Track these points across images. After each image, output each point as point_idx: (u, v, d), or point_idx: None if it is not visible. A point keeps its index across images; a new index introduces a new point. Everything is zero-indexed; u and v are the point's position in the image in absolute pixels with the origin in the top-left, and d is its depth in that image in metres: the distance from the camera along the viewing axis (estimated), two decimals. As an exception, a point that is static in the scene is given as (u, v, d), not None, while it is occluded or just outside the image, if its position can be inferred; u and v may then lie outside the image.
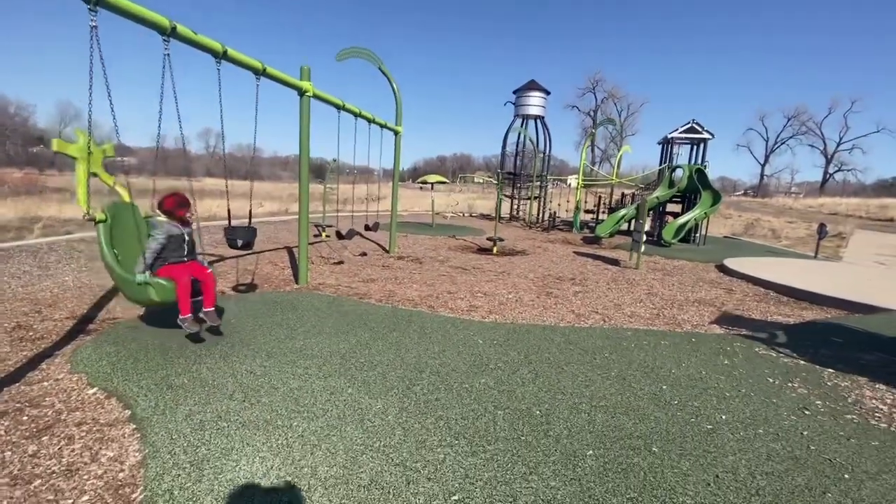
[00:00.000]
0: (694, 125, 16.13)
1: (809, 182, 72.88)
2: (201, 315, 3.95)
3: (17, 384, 3.24)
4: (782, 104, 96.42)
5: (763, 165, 67.54)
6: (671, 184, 15.59)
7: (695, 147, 17.13)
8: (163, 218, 3.94)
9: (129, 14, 3.58)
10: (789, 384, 3.76)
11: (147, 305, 3.94)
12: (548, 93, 21.17)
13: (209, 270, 4.11)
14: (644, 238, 9.69)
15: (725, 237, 18.09)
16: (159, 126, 4.00)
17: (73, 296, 5.44)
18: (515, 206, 21.35)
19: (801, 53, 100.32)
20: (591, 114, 61.82)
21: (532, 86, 20.87)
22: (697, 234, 15.07)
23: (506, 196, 20.83)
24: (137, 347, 3.74)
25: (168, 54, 3.88)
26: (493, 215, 22.20)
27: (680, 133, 16.36)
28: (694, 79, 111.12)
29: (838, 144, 62.93)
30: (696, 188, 14.70)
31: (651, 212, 14.79)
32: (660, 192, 15.11)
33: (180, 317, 3.79)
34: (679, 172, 15.68)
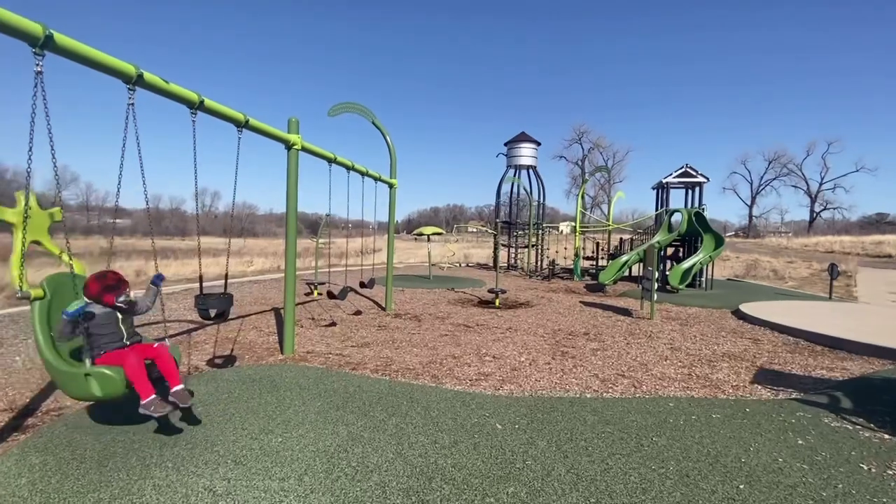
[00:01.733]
0: (688, 169, 16.11)
1: (796, 221, 74.13)
2: (171, 399, 3.23)
3: None
4: (762, 147, 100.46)
5: (750, 207, 68.82)
6: (670, 228, 15.28)
7: (689, 191, 17.05)
8: (84, 303, 3.23)
9: (86, 60, 3.14)
10: (889, 471, 3.03)
11: (89, 401, 3.19)
12: (538, 143, 21.41)
13: (157, 345, 3.40)
14: (656, 286, 9.12)
15: (729, 280, 17.61)
16: (119, 183, 3.46)
17: (18, 380, 4.66)
18: (513, 255, 20.90)
19: (779, 96, 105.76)
20: (579, 163, 63.45)
21: (523, 137, 21.13)
22: (703, 279, 14.58)
23: (503, 245, 20.43)
24: (71, 455, 2.96)
25: (132, 104, 3.42)
26: (491, 264, 21.72)
27: (674, 178, 16.30)
28: (677, 125, 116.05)
29: (820, 184, 64.65)
30: (697, 232, 14.37)
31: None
32: (660, 237, 14.73)
33: (142, 402, 3.05)
34: (677, 216, 15.43)
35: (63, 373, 2.99)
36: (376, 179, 8.50)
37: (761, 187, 67.69)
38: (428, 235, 17.27)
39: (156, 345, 3.41)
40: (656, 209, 17.28)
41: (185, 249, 29.91)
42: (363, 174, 7.90)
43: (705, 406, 4.22)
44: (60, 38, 2.85)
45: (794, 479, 2.92)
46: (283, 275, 8.21)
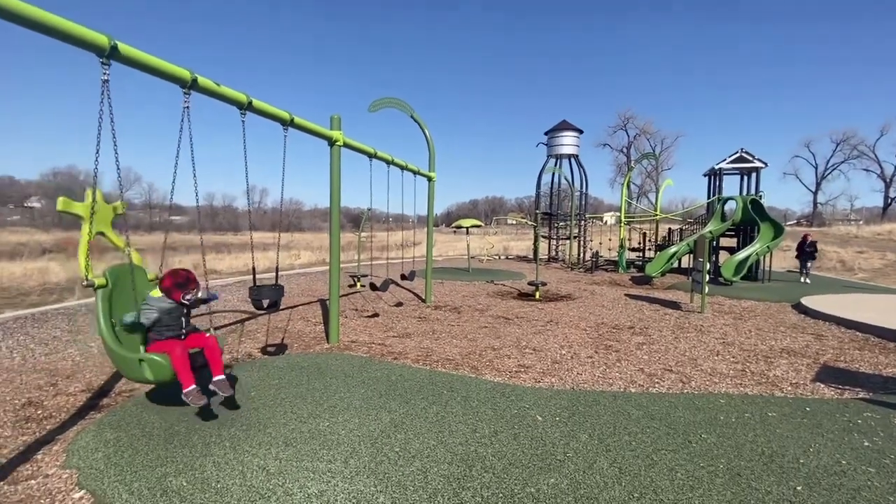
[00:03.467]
0: (743, 154, 15.15)
1: (868, 208, 67.87)
2: (211, 387, 3.47)
3: (2, 483, 2.77)
4: (829, 129, 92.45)
5: (815, 193, 63.71)
6: (723, 217, 14.46)
7: (745, 177, 16.04)
8: (159, 294, 3.54)
9: (146, 67, 3.37)
10: (971, 480, 2.77)
11: (143, 383, 3.46)
12: (581, 131, 20.81)
13: (209, 337, 3.65)
14: (707, 278, 8.68)
15: (790, 272, 16.48)
16: (174, 181, 3.71)
17: (94, 364, 5.12)
18: (554, 247, 20.52)
19: (847, 74, 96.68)
20: (625, 151, 61.04)
21: (564, 125, 20.60)
22: (760, 270, 13.73)
23: (543, 237, 20.10)
24: (140, 433, 3.24)
25: (188, 107, 3.65)
26: (531, 257, 21.43)
27: (728, 163, 15.39)
28: (731, 109, 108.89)
29: (897, 167, 58.74)
30: (753, 220, 13.52)
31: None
32: (712, 227, 13.99)
33: (183, 391, 3.31)
34: (731, 204, 14.57)
35: (120, 356, 3.27)
36: (415, 173, 8.59)
37: (828, 172, 62.39)
38: (467, 228, 17.28)
39: (207, 335, 3.67)
40: (708, 197, 16.39)
41: (238, 244, 31.52)
42: (402, 168, 8.00)
43: (760, 404, 4.00)
44: (124, 47, 3.07)
45: (859, 482, 2.72)
46: (327, 268, 8.53)
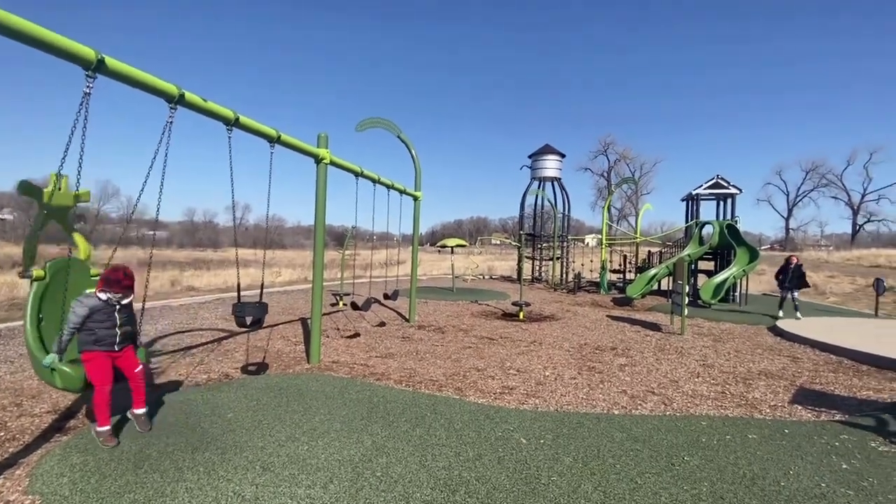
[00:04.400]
0: (719, 180, 15.68)
1: (838, 234, 70.61)
2: (129, 414, 3.47)
3: (-45, 512, 2.60)
4: (799, 157, 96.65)
5: (787, 219, 66.12)
6: (701, 241, 14.85)
7: (721, 202, 16.56)
8: (92, 293, 3.32)
9: (133, 81, 3.34)
10: (944, 502, 2.83)
11: (52, 387, 3.34)
12: (563, 155, 21.30)
13: (138, 369, 3.46)
14: (686, 300, 8.85)
15: (764, 294, 16.91)
16: (160, 196, 3.64)
17: (61, 384, 4.89)
18: (537, 268, 20.70)
19: (816, 106, 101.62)
20: (605, 175, 62.59)
21: (547, 149, 21.07)
22: (737, 293, 14.06)
23: (527, 257, 20.28)
24: (109, 457, 3.08)
25: (171, 121, 3.61)
26: (514, 277, 21.54)
27: (705, 189, 15.88)
28: (707, 136, 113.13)
29: (863, 196, 61.52)
30: (729, 244, 13.91)
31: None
32: (690, 250, 14.33)
33: (97, 428, 3.24)
34: (709, 229, 15.00)
35: (35, 359, 3.19)
36: (401, 192, 8.63)
37: (798, 199, 65.00)
38: (452, 247, 17.33)
39: (139, 367, 3.48)
40: (686, 221, 16.84)
41: (217, 260, 30.92)
42: (388, 187, 8.04)
43: (741, 426, 4.05)
44: (111, 61, 3.06)
45: (839, 505, 2.76)
46: (309, 286, 8.43)
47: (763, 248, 62.66)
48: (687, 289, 9.12)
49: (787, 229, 66.38)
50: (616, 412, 4.41)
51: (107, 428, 3.24)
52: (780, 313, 10.41)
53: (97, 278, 3.60)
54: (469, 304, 12.29)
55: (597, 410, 4.45)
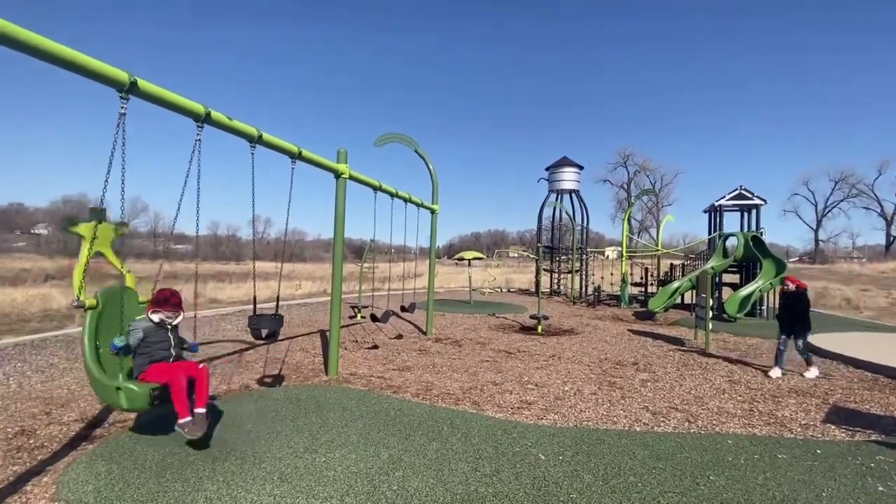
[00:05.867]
0: (742, 191, 15.35)
1: (871, 245, 67.86)
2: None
3: (-14, 517, 2.69)
4: (826, 167, 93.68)
5: (816, 230, 63.98)
6: (725, 253, 14.49)
7: (745, 214, 16.18)
8: (144, 317, 3.57)
9: (163, 101, 3.50)
10: None
11: (118, 409, 3.42)
12: (581, 167, 21.20)
13: (202, 366, 3.66)
14: (710, 314, 8.62)
15: (795, 309, 16.33)
16: (178, 209, 3.78)
17: (89, 393, 5.02)
18: (556, 281, 20.48)
19: (844, 114, 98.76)
20: (625, 187, 61.90)
21: (565, 162, 21.00)
22: (763, 307, 13.63)
23: (545, 270, 20.10)
24: (132, 465, 3.15)
25: (199, 139, 3.76)
26: (532, 290, 21.34)
27: (728, 200, 15.57)
28: (729, 146, 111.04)
29: (897, 206, 59.15)
30: (754, 257, 13.53)
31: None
32: (714, 263, 13.99)
33: (179, 421, 3.30)
34: (733, 241, 14.64)
35: (98, 382, 3.26)
36: (418, 205, 8.71)
37: (827, 209, 62.86)
38: (469, 260, 17.32)
39: (200, 365, 3.66)
40: (709, 233, 16.49)
41: (239, 273, 31.56)
42: (406, 200, 8.12)
43: (769, 445, 3.89)
44: (143, 83, 3.21)
45: (878, 531, 2.61)
46: (328, 298, 8.54)
47: (791, 260, 60.70)
48: (711, 302, 8.88)
49: (817, 241, 64.17)
50: (638, 429, 4.30)
51: (188, 419, 3.30)
52: (776, 371, 6.53)
53: (145, 304, 3.82)
54: (486, 318, 12.22)
55: (618, 427, 4.34)
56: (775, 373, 6.53)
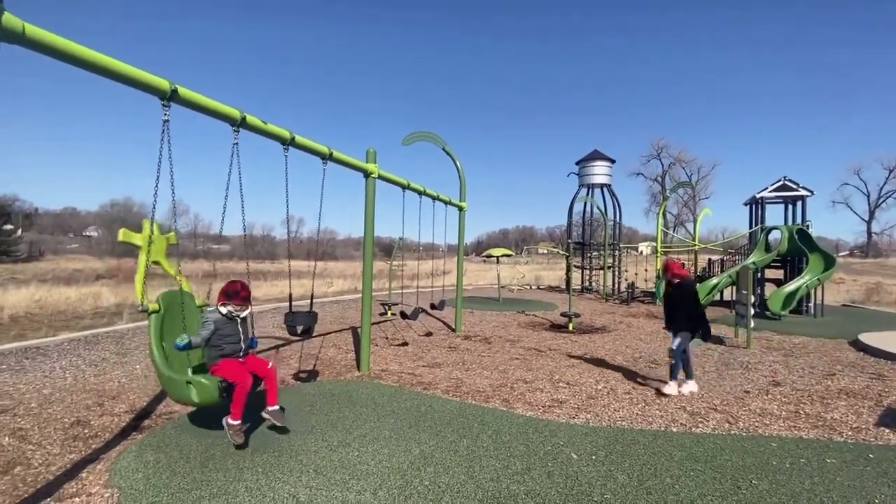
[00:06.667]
0: (787, 182, 14.58)
1: (931, 238, 63.13)
2: (264, 415, 3.63)
3: (49, 499, 2.89)
4: (879, 154, 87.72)
5: (868, 222, 60.11)
6: (768, 248, 13.83)
7: (790, 205, 15.38)
8: (214, 309, 3.70)
9: (201, 107, 3.64)
10: None
11: (188, 404, 3.56)
12: (612, 161, 20.68)
13: (270, 365, 3.78)
14: (752, 311, 8.25)
15: (844, 306, 15.43)
16: (223, 211, 3.94)
17: (138, 386, 5.32)
18: (587, 278, 20.09)
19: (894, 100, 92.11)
20: (659, 180, 59.97)
21: (596, 155, 20.55)
22: (810, 304, 12.92)
23: (576, 267, 19.75)
24: (178, 455, 3.32)
25: (236, 143, 3.90)
26: (563, 287, 21.01)
27: (770, 192, 14.82)
28: (771, 135, 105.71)
29: (960, 195, 54.84)
30: (800, 251, 12.84)
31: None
32: (756, 257, 13.39)
33: (229, 420, 3.42)
34: (776, 234, 13.95)
35: (168, 378, 3.40)
36: (446, 203, 8.73)
37: (881, 200, 58.93)
38: (497, 257, 17.23)
39: (270, 364, 3.80)
40: (750, 227, 15.77)
41: (274, 272, 32.53)
42: (434, 198, 8.16)
43: (817, 449, 3.70)
44: (183, 91, 3.35)
45: (940, 543, 2.44)
46: (359, 296, 8.68)
47: (841, 254, 57.32)
48: (753, 299, 8.50)
49: (869, 234, 60.29)
50: (675, 429, 4.17)
51: (238, 423, 3.41)
52: (672, 387, 5.25)
53: (202, 307, 4.02)
54: (515, 315, 12.13)
55: (653, 427, 4.23)
56: (670, 389, 5.21)
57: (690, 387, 5.37)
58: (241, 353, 3.68)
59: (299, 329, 4.67)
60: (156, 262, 3.76)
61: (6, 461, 3.37)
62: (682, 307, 5.34)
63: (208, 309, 3.72)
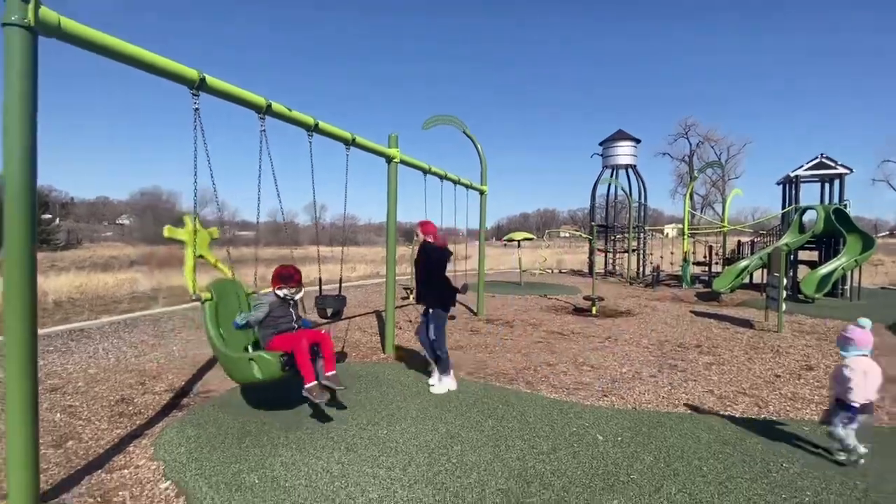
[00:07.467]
0: (823, 160, 13.94)
1: (981, 217, 59.48)
2: (324, 382, 3.64)
3: (100, 470, 3.09)
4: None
5: (912, 201, 56.91)
6: (802, 228, 13.31)
7: (826, 184, 14.73)
8: (268, 292, 3.87)
9: (229, 95, 3.71)
10: None
11: (252, 383, 3.66)
12: (638, 141, 20.12)
13: (324, 331, 3.96)
14: (784, 294, 8.01)
15: (883, 288, 14.81)
16: (258, 200, 4.03)
17: (175, 367, 5.57)
18: (610, 261, 19.81)
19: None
20: (687, 159, 58.01)
21: (620, 135, 20.02)
22: (846, 287, 12.44)
23: (599, 250, 19.47)
24: (217, 431, 3.48)
25: (264, 130, 3.98)
26: (586, 271, 20.78)
27: (806, 170, 14.20)
28: (806, 112, 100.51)
29: None
30: (837, 231, 12.32)
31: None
32: (789, 239, 12.91)
33: (305, 386, 3.45)
34: (811, 214, 13.40)
35: (230, 358, 3.53)
36: (467, 187, 8.69)
37: (928, 177, 55.65)
38: (518, 241, 17.13)
39: (322, 331, 3.96)
40: (783, 207, 15.19)
41: (298, 257, 33.18)
42: (455, 182, 8.13)
43: (852, 434, 3.61)
44: (211, 79, 3.41)
45: (983, 530, 2.38)
46: (381, 280, 8.76)
47: (881, 235, 54.71)
48: (785, 281, 8.24)
49: (913, 213, 57.14)
50: (702, 413, 4.14)
51: (313, 383, 3.46)
52: (436, 379, 4.62)
53: (251, 294, 4.18)
54: (538, 299, 12.10)
55: (679, 410, 4.20)
56: (437, 383, 4.52)
57: (447, 384, 4.45)
58: (295, 326, 3.86)
59: (329, 312, 4.79)
60: (200, 256, 3.87)
61: (59, 436, 3.60)
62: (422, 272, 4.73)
63: (261, 292, 3.89)
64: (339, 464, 3.00)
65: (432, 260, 4.80)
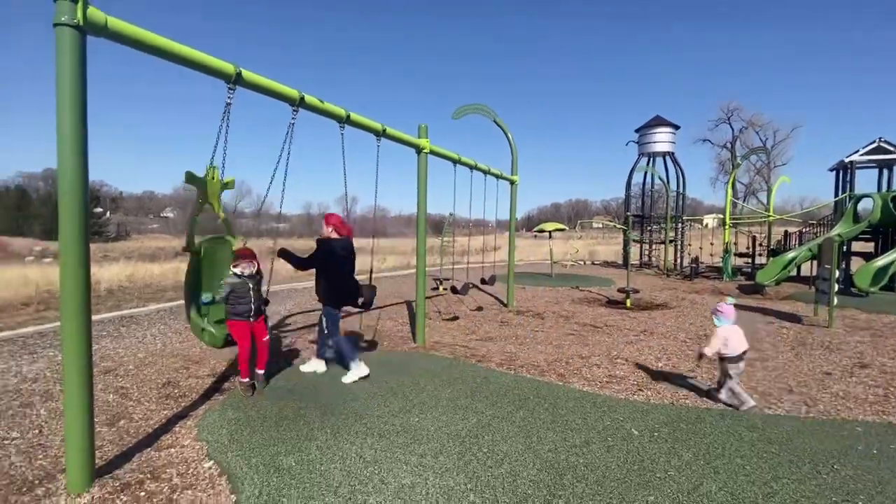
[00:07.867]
0: (882, 144, 13.01)
1: None
2: (252, 379, 4.20)
3: (149, 449, 3.26)
4: None
5: (984, 187, 52.31)
6: (856, 218, 12.48)
7: (885, 170, 13.75)
8: (231, 274, 4.05)
9: (263, 89, 3.79)
10: None
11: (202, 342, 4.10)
12: (677, 127, 19.32)
13: (266, 338, 4.24)
14: (836, 288, 7.55)
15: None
16: (283, 190, 4.12)
17: (217, 353, 5.80)
18: (646, 252, 19.22)
19: None
20: (729, 146, 55.24)
21: (657, 121, 19.27)
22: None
23: (634, 241, 18.92)
24: (256, 415, 3.62)
25: (294, 122, 4.04)
26: (619, 262, 20.25)
27: (862, 155, 13.30)
28: (862, 92, 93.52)
29: None
30: (895, 221, 11.48)
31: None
32: (842, 229, 12.14)
33: (240, 379, 4.10)
34: (867, 203, 12.53)
35: (192, 320, 3.91)
36: (498, 177, 8.59)
37: None
38: (549, 232, 16.85)
39: (266, 337, 4.25)
40: (836, 195, 14.29)
41: (330, 248, 33.85)
42: (485, 172, 8.05)
43: (912, 436, 3.38)
44: (247, 73, 3.48)
45: None
46: (411, 271, 8.83)
47: (947, 224, 50.51)
48: (837, 274, 7.76)
49: None
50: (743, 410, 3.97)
51: (246, 380, 4.10)
52: (319, 364, 4.83)
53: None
54: (569, 290, 11.89)
55: (720, 406, 4.05)
56: (352, 377, 4.45)
57: (357, 371, 4.45)
58: (252, 314, 4.05)
59: (361, 301, 4.86)
60: (209, 203, 3.98)
61: (112, 415, 3.83)
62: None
63: (228, 276, 4.05)
64: (372, 449, 3.06)
65: (334, 253, 4.65)
